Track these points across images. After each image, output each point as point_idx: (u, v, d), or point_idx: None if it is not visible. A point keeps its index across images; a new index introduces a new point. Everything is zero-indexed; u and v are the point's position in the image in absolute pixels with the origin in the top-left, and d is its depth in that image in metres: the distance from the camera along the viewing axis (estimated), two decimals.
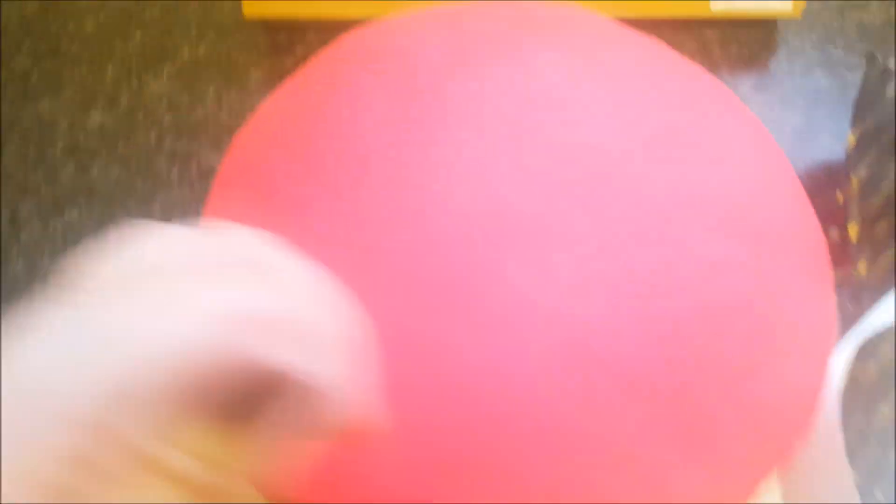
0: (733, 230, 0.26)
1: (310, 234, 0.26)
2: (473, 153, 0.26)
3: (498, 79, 0.28)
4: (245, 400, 0.17)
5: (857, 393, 0.31)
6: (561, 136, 0.27)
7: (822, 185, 0.40)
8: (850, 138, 0.37)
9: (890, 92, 0.34)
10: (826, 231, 0.38)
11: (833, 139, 0.42)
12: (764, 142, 0.30)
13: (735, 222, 0.26)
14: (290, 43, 0.47)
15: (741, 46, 0.45)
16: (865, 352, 0.31)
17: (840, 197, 0.38)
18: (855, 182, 0.36)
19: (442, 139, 0.27)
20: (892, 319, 0.30)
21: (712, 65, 0.44)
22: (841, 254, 0.38)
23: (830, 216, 0.38)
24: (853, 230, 0.36)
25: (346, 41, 0.34)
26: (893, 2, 0.45)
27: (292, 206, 0.27)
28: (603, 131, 0.27)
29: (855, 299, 0.37)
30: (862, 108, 0.37)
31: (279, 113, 0.31)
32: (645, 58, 0.31)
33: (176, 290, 0.16)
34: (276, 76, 0.46)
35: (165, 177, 0.43)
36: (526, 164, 0.26)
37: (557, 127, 0.27)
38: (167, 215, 0.42)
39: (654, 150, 0.27)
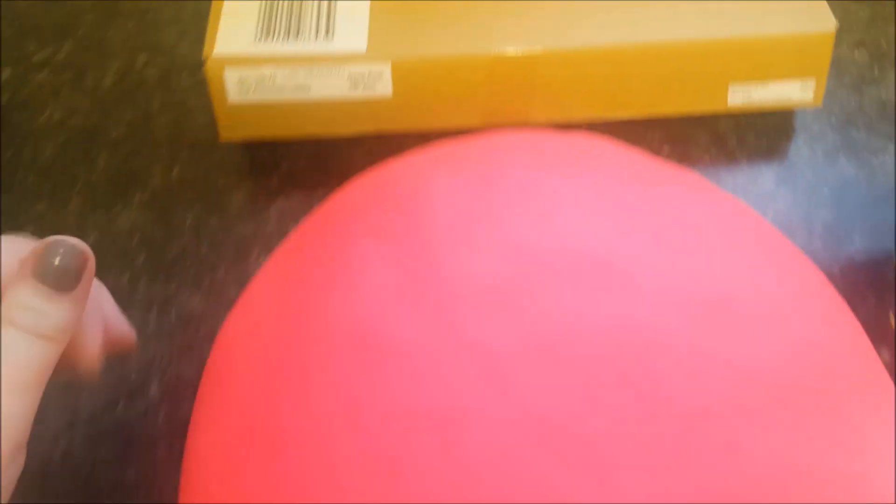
0: (806, 410, 0.23)
1: (318, 456, 0.22)
2: (501, 344, 0.22)
3: (526, 243, 0.25)
4: None
5: None
6: (603, 315, 0.23)
7: (864, 292, 0.37)
8: None
9: None
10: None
11: (868, 235, 0.39)
12: (820, 289, 0.27)
13: (804, 399, 0.22)
14: (274, 159, 0.43)
15: (758, 136, 0.42)
16: None
17: (893, 319, 0.35)
18: None
19: (463, 326, 0.23)
20: None
21: (729, 157, 0.41)
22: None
23: (880, 335, 0.35)
24: None
25: (346, 192, 0.30)
26: None
27: (295, 421, 0.23)
28: (652, 301, 0.23)
29: None
30: None
31: (270, 298, 0.27)
32: (684, 200, 0.27)
33: None
34: (260, 198, 0.42)
35: (141, 327, 0.39)
36: (564, 355, 0.22)
37: (598, 303, 0.23)
38: (144, 375, 0.38)
39: (709, 322, 0.23)
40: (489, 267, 0.24)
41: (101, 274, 0.41)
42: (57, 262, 0.23)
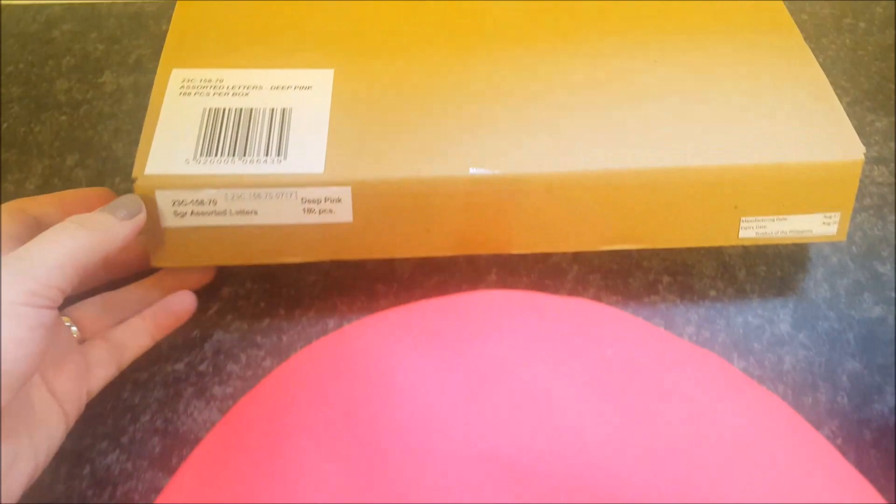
0: None
1: None
2: None
3: (506, 457, 0.19)
4: None
5: None
6: None
7: None
8: None
9: None
10: None
11: None
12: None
13: None
14: (214, 282, 0.37)
15: (770, 267, 0.37)
16: None
17: None
18: None
19: None
20: None
21: (738, 292, 0.36)
22: None
23: None
24: None
25: (290, 370, 0.25)
26: None
27: None
28: None
29: None
30: None
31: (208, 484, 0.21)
32: (696, 401, 0.22)
33: None
34: (195, 329, 0.36)
35: (48, 485, 0.32)
36: None
37: None
38: None
39: None
40: (466, 493, 0.19)
41: None
42: (122, 201, 0.31)
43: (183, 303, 0.34)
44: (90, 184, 0.41)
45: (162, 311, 0.34)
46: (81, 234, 0.28)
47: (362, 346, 0.24)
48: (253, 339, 0.36)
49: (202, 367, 0.35)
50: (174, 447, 0.33)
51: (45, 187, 0.41)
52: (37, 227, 0.31)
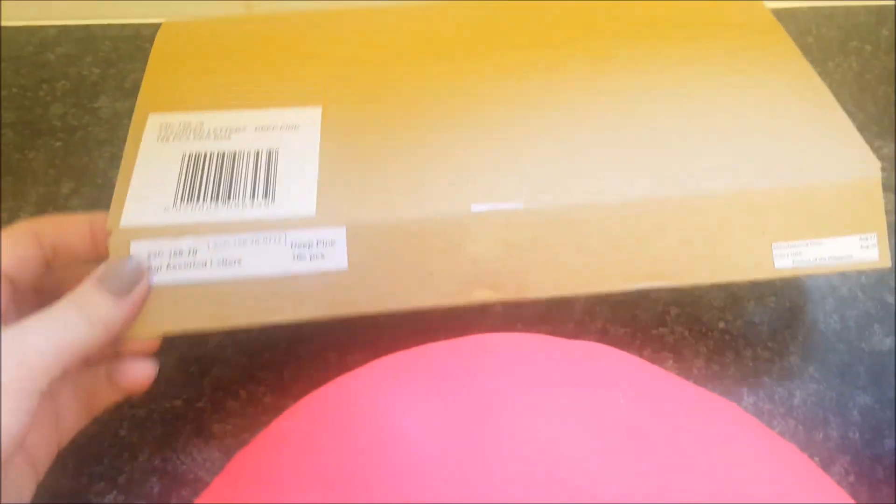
0: None
1: None
2: None
3: None
4: None
5: None
6: None
7: None
8: None
9: None
10: None
11: None
12: None
13: None
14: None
15: (779, 298, 0.36)
16: None
17: None
18: None
19: None
20: None
21: (747, 323, 0.35)
22: None
23: None
24: None
25: (285, 425, 0.24)
26: None
27: None
28: None
29: None
30: None
31: None
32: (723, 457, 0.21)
33: None
34: (200, 364, 0.35)
35: None
36: None
37: None
38: None
39: None
40: None
41: None
42: (119, 271, 0.29)
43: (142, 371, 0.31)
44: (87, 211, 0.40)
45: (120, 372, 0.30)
46: (81, 327, 0.27)
47: (361, 395, 0.23)
48: (253, 375, 0.35)
49: (200, 404, 0.34)
50: (173, 487, 0.32)
51: (39, 215, 0.40)
52: (50, 252, 0.30)
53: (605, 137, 0.33)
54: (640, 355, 0.35)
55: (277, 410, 0.34)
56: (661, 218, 0.31)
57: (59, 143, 0.42)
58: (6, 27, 0.48)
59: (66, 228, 0.31)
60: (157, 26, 0.41)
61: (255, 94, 0.35)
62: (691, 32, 0.38)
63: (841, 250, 0.32)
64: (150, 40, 0.48)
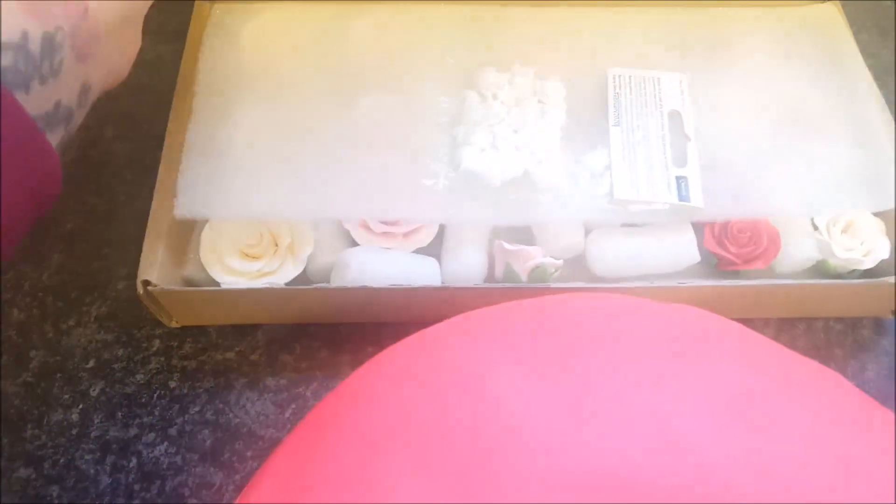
0: None
1: None
2: None
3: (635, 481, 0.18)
4: None
5: None
6: None
7: None
8: None
9: None
10: None
11: None
12: None
13: None
14: None
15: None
16: None
17: None
18: None
19: None
20: None
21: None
22: None
23: None
24: None
25: (368, 376, 0.23)
26: None
27: None
28: None
29: None
30: None
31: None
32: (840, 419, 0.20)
33: None
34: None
35: (91, 478, 0.31)
36: None
37: None
38: None
39: None
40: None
41: (45, 404, 0.33)
42: None
43: None
44: (130, 158, 0.39)
45: None
46: None
47: (448, 352, 0.22)
48: (307, 329, 0.34)
49: (254, 357, 0.33)
50: (226, 441, 0.32)
51: (83, 160, 0.39)
52: None
53: None
54: None
55: (333, 366, 0.33)
56: None
57: None
58: None
59: None
60: None
61: None
62: None
63: None
64: None
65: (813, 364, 0.23)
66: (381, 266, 0.31)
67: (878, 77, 0.36)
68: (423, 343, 0.23)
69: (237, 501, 0.21)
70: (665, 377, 0.21)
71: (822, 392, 0.21)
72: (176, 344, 0.34)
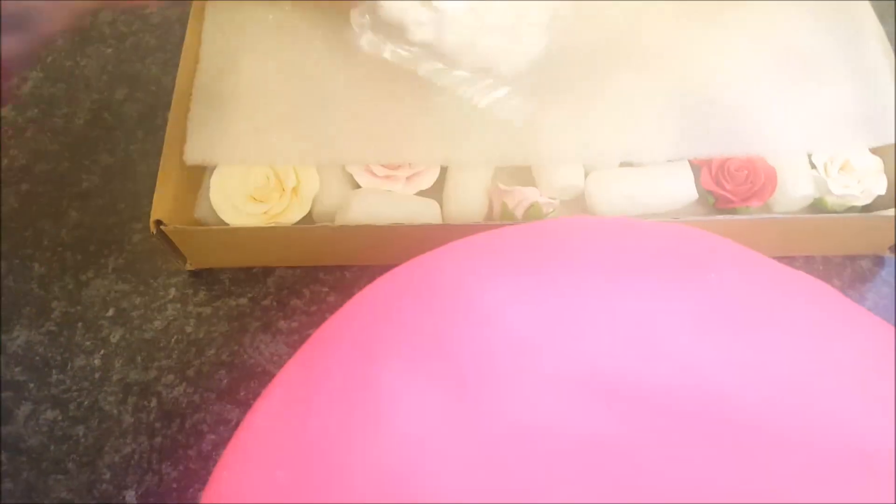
0: None
1: None
2: None
3: (622, 382, 0.19)
4: None
5: None
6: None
7: None
8: None
9: None
10: None
11: None
12: None
13: None
14: None
15: None
16: None
17: None
18: None
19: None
20: None
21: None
22: None
23: None
24: None
25: (372, 292, 0.24)
26: None
27: None
28: (802, 468, 0.18)
29: None
30: None
31: (278, 434, 0.21)
32: (819, 322, 0.21)
33: None
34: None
35: (114, 419, 0.32)
36: None
37: (736, 477, 0.18)
38: (119, 479, 0.31)
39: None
40: (571, 417, 0.18)
41: (68, 351, 0.35)
42: None
43: None
44: (141, 118, 0.40)
45: None
46: None
47: (446, 272, 0.23)
48: (316, 275, 0.35)
49: (266, 302, 0.35)
50: (241, 380, 0.33)
51: (95, 121, 0.40)
52: None
53: None
54: None
55: None
56: None
57: (109, 51, 0.42)
58: None
59: None
60: None
61: None
62: None
63: None
64: None
65: (802, 274, 0.23)
66: (383, 208, 0.32)
67: (882, 16, 0.37)
68: (421, 264, 0.24)
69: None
70: (654, 287, 0.21)
71: (809, 298, 0.22)
72: (191, 292, 0.35)
